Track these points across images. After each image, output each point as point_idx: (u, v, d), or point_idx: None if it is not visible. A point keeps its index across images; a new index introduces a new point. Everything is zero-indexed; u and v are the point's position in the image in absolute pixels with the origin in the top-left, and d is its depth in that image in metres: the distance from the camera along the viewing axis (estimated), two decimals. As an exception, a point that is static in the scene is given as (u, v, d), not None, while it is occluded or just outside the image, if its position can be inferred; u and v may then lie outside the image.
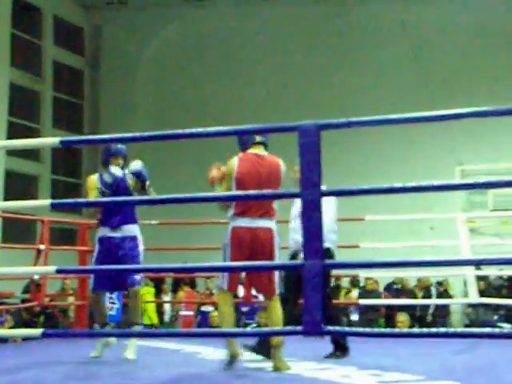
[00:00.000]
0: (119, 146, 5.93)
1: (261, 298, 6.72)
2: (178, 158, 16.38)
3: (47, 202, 3.96)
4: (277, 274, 4.90)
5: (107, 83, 18.82)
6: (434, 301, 11.74)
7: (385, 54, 16.45)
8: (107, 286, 5.93)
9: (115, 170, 5.77)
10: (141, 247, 5.84)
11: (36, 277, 8.27)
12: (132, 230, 5.83)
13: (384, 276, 12.03)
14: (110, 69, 18.84)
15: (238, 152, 5.03)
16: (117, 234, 5.81)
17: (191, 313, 11.76)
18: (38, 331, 4.06)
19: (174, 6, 18.15)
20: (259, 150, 4.88)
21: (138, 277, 5.78)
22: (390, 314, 11.54)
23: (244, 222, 4.78)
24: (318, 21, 17.11)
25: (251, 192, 4.53)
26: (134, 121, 17.88)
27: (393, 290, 12.24)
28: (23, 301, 9.61)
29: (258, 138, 4.88)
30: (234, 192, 4.84)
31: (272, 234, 4.83)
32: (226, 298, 4.90)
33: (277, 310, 4.91)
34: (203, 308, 11.77)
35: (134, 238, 5.81)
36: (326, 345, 5.65)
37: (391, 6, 16.58)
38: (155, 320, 11.86)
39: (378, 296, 11.60)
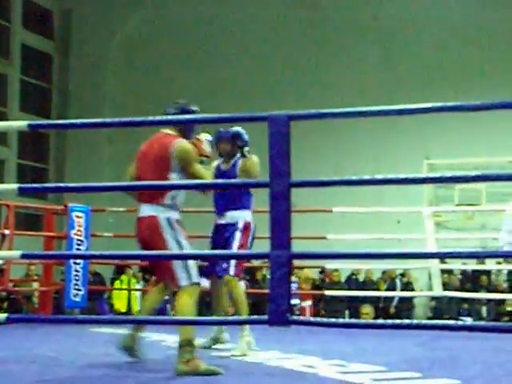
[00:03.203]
0: (224, 129, 5.57)
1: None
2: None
3: (15, 186, 3.92)
4: (177, 262, 4.27)
5: (76, 68, 18.63)
6: (398, 293, 11.88)
7: (357, 49, 16.49)
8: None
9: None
10: (239, 234, 5.45)
11: (0, 262, 8.20)
12: (235, 216, 5.51)
13: (350, 268, 12.15)
14: (79, 54, 18.64)
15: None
16: (221, 221, 5.59)
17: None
18: (2, 316, 4.02)
19: (146, -8, 18.02)
20: (168, 130, 4.51)
21: (225, 265, 5.40)
22: (354, 305, 11.66)
23: (138, 212, 4.50)
24: (289, 11, 17.08)
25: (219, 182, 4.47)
26: (103, 107, 17.75)
27: (353, 281, 12.34)
28: (-14, 286, 9.51)
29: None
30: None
31: (156, 223, 4.34)
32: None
33: (178, 302, 4.29)
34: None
35: (233, 225, 5.49)
36: (291, 335, 5.68)
37: (364, 0, 16.65)
38: (124, 308, 11.82)
39: (343, 287, 11.70)
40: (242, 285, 5.58)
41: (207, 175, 4.46)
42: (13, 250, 7.57)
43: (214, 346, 5.59)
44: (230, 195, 5.52)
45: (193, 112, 4.58)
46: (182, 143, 4.40)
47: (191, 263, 4.31)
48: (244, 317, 5.30)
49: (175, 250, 4.28)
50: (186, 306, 4.25)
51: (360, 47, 16.47)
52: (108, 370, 4.34)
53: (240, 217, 5.51)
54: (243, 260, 5.43)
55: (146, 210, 4.41)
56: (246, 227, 5.49)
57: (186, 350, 4.14)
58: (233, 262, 5.37)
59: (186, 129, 4.53)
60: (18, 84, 17.70)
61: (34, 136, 17.62)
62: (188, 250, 4.32)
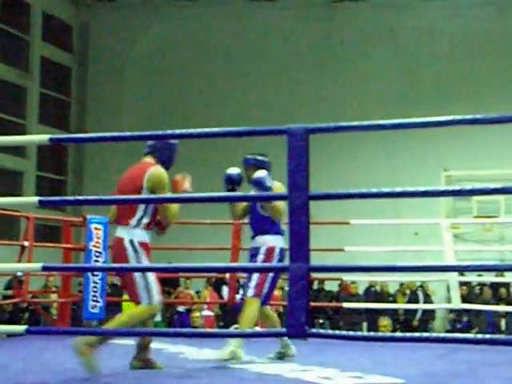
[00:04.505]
0: (248, 156, 5.66)
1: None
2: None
3: (35, 199, 3.95)
4: (139, 282, 4.53)
5: (95, 81, 18.78)
6: (417, 306, 11.80)
7: (374, 60, 16.52)
8: None
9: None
10: (261, 258, 5.49)
11: (19, 273, 8.25)
12: (261, 241, 5.57)
13: (367, 280, 12.10)
14: (97, 66, 18.80)
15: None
16: (252, 245, 5.68)
17: (212, 313, 11.73)
18: (21, 328, 4.06)
19: (163, 5, 18.14)
20: (144, 159, 4.79)
21: (249, 289, 5.43)
22: (372, 317, 11.58)
23: None
24: (306, 24, 17.15)
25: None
26: (121, 119, 17.85)
27: (371, 293, 12.28)
28: (5, 297, 9.58)
29: (145, 149, 4.80)
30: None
31: (121, 245, 4.59)
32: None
33: (121, 315, 4.68)
34: (180, 308, 11.76)
35: (257, 249, 5.56)
36: (308, 347, 5.68)
37: (380, 12, 16.66)
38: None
39: (361, 299, 11.64)
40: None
41: (173, 207, 4.63)
42: (32, 261, 7.63)
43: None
44: (259, 221, 5.58)
45: (171, 144, 4.79)
46: (156, 170, 4.61)
47: (152, 284, 4.54)
48: (264, 330, 5.30)
49: (137, 272, 4.52)
50: (131, 316, 4.55)
51: (377, 59, 16.48)
52: (127, 382, 4.35)
53: (264, 242, 5.55)
54: (263, 281, 5.43)
55: (118, 231, 4.67)
56: (270, 252, 5.51)
57: (92, 339, 4.37)
58: (252, 284, 5.41)
59: (164, 159, 4.76)
60: (37, 96, 17.86)
61: (53, 148, 17.74)
62: (149, 272, 4.56)
